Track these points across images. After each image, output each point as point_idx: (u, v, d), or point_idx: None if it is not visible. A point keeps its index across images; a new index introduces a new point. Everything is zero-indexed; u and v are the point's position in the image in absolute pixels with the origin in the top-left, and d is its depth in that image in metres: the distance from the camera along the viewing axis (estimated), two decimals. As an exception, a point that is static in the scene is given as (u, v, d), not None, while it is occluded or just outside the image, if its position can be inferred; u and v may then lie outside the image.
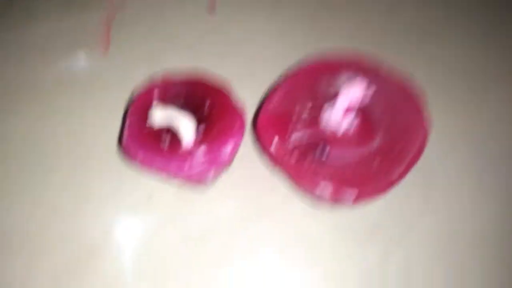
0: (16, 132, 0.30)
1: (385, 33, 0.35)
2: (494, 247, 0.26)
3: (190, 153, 0.23)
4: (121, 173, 0.28)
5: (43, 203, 0.27)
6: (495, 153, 0.29)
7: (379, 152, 0.23)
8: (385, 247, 0.26)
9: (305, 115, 0.24)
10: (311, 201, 0.27)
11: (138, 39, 0.34)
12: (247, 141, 0.28)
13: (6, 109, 0.31)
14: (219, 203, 0.27)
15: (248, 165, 0.28)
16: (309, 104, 0.24)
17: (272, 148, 0.23)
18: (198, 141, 0.23)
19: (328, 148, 0.23)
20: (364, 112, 0.24)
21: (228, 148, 0.23)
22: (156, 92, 0.25)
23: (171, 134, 0.23)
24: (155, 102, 0.25)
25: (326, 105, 0.24)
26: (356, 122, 0.24)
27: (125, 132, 0.24)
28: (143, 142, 0.23)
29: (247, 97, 0.26)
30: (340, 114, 0.23)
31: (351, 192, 0.22)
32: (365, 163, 0.23)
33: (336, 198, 0.22)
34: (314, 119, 0.24)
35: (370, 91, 0.23)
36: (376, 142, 0.23)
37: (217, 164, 0.23)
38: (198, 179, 0.24)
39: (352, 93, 0.23)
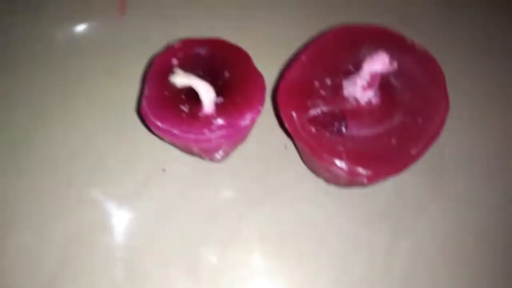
0: (31, 96, 0.30)
1: (407, 8, 0.34)
2: (503, 235, 0.26)
3: (210, 117, 0.23)
4: (136, 143, 0.28)
5: (57, 171, 0.28)
6: (509, 142, 0.29)
7: (399, 128, 0.23)
8: (394, 231, 0.26)
9: (326, 86, 0.24)
10: (323, 181, 0.27)
11: (156, 1, 0.34)
12: (264, 116, 0.27)
13: (20, 72, 0.31)
14: (230, 181, 0.27)
15: (263, 140, 0.28)
16: (331, 75, 0.24)
17: (292, 116, 0.23)
18: (218, 107, 0.23)
19: (347, 121, 0.23)
20: (385, 86, 0.24)
21: (247, 117, 0.23)
22: (175, 57, 0.25)
23: (191, 99, 0.23)
24: (174, 67, 0.24)
25: (348, 77, 0.24)
26: (377, 96, 0.23)
27: (144, 96, 0.24)
28: (163, 106, 0.23)
29: (267, 66, 0.26)
30: (361, 86, 0.23)
31: (368, 168, 0.22)
32: (384, 138, 0.23)
33: (352, 173, 0.22)
34: (335, 91, 0.24)
35: (393, 65, 0.23)
36: (396, 118, 0.23)
37: (236, 129, 0.23)
38: (215, 148, 0.24)
39: (375, 66, 0.23)
